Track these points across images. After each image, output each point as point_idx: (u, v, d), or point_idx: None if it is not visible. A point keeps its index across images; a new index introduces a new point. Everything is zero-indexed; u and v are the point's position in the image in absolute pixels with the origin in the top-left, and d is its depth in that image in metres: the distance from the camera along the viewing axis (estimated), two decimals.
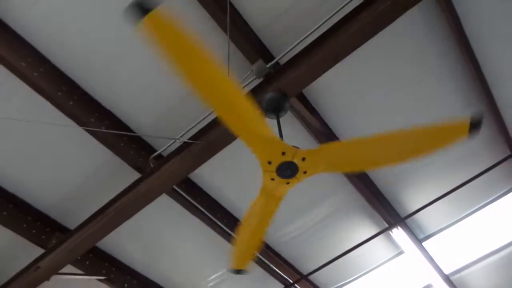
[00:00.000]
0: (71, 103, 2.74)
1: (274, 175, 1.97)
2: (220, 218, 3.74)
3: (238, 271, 2.49)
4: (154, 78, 2.88)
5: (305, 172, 1.97)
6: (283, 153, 1.90)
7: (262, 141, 1.87)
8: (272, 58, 2.76)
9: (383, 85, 3.17)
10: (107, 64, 2.79)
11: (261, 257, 4.13)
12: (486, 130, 3.56)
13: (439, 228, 4.44)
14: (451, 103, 3.35)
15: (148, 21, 1.33)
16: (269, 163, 1.94)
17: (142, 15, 1.30)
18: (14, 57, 2.49)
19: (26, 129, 3.00)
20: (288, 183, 2.00)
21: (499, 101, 3.33)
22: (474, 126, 1.76)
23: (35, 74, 2.57)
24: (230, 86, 1.65)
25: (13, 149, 3.14)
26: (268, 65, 2.63)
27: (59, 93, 2.68)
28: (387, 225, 4.11)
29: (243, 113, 1.75)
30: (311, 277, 4.65)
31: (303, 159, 1.92)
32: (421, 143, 1.92)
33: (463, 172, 3.82)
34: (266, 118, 2.53)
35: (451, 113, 3.42)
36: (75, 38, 2.64)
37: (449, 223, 4.40)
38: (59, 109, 2.79)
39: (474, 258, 4.84)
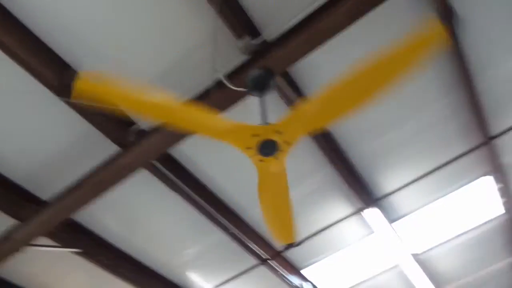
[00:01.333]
0: (48, 70, 2.62)
1: (259, 157, 1.97)
2: (198, 193, 3.75)
3: (289, 245, 2.55)
4: (138, 51, 2.79)
5: (286, 142, 1.95)
6: (255, 135, 1.90)
7: (228, 133, 1.90)
8: (259, 35, 2.71)
9: None
10: (89, 34, 2.66)
11: (237, 232, 4.19)
12: (463, 115, 3.66)
13: (410, 210, 4.60)
14: (428, 88, 3.41)
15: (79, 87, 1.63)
16: (248, 148, 1.94)
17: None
18: None
19: None
20: (277, 158, 1.99)
21: (479, 88, 3.40)
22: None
23: (9, 38, 2.43)
24: (173, 106, 1.87)
25: None
26: (255, 42, 2.59)
27: (35, 59, 2.55)
28: (361, 206, 4.24)
29: (196, 120, 1.92)
30: (284, 254, 4.78)
31: (277, 132, 1.91)
32: (393, 67, 1.68)
33: (438, 156, 3.95)
34: (250, 95, 2.52)
35: (428, 98, 3.49)
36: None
37: (420, 205, 4.56)
38: (35, 77, 2.66)
39: (442, 240, 5.08)
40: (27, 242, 3.35)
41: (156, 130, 2.83)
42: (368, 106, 1.80)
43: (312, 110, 1.90)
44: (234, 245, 4.39)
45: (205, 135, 2.03)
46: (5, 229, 3.35)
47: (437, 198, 4.47)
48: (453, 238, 5.06)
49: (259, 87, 2.42)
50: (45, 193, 3.54)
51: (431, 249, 5.15)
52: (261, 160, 2.01)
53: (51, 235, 3.65)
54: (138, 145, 2.92)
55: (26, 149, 3.26)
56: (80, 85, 1.62)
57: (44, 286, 4.50)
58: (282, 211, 2.38)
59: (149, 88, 1.91)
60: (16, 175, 3.42)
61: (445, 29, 1.51)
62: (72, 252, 3.86)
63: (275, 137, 1.93)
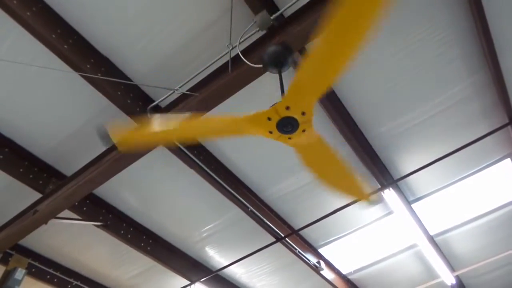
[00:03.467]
0: (66, 47, 2.64)
1: (285, 136, 1.94)
2: (216, 171, 3.78)
3: (370, 203, 2.52)
4: (154, 25, 2.78)
5: (303, 113, 1.88)
6: (269, 119, 1.86)
7: (244, 128, 1.90)
8: (277, 9, 2.64)
9: (389, 45, 3.09)
10: (104, 8, 2.66)
11: (254, 210, 4.23)
12: (488, 97, 3.53)
13: (429, 191, 4.53)
14: (453, 68, 3.29)
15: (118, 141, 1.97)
16: (271, 132, 1.91)
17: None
18: None
19: (19, 73, 2.93)
20: (304, 130, 1.94)
21: (504, 69, 3.27)
22: None
23: (28, 13, 2.45)
24: (189, 126, 2.02)
25: (7, 93, 3.08)
26: (272, 17, 2.52)
27: (53, 36, 2.57)
28: (380, 186, 4.18)
29: (215, 129, 2.04)
30: (302, 232, 4.80)
31: (287, 107, 1.85)
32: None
33: (459, 137, 3.83)
34: (268, 72, 2.47)
35: (452, 78, 3.37)
36: None
37: (440, 187, 4.48)
38: (54, 52, 2.70)
39: (459, 222, 5.00)
40: (51, 215, 3.48)
41: (173, 107, 2.84)
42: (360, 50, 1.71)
43: (309, 72, 1.81)
44: (251, 223, 4.43)
45: (227, 137, 2.08)
46: (31, 202, 3.48)
47: (458, 180, 4.37)
48: (471, 221, 4.97)
49: (277, 63, 2.37)
50: (68, 168, 3.65)
51: (448, 230, 5.08)
52: (289, 138, 1.97)
53: (74, 208, 3.78)
54: None
55: (49, 125, 3.34)
56: (118, 139, 1.99)
57: (67, 257, 4.71)
58: (340, 174, 2.33)
59: (168, 117, 2.19)
60: (40, 151, 3.54)
61: None
62: (94, 225, 3.99)
63: (288, 113, 1.88)
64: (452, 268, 5.60)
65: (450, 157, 3.92)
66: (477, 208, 4.83)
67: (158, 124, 2.08)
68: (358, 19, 1.57)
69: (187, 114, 2.37)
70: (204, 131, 2.15)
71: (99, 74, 2.81)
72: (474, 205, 4.78)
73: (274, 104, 1.86)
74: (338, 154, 2.20)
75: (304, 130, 1.93)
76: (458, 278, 5.79)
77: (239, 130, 1.98)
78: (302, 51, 2.80)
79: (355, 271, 5.53)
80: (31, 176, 3.49)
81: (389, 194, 4.24)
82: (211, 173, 3.75)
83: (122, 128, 1.99)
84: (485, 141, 3.82)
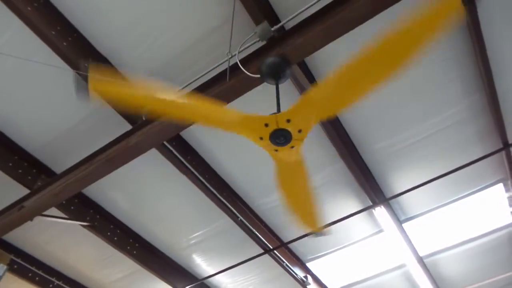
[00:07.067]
0: (65, 44, 2.64)
1: (273, 147, 1.93)
2: (208, 178, 3.75)
3: (316, 234, 2.49)
4: (156, 29, 2.78)
5: (299, 131, 1.86)
6: (266, 125, 1.83)
7: (238, 125, 1.86)
8: (278, 21, 2.65)
9: None
10: (107, 8, 2.66)
11: (244, 220, 4.19)
12: (482, 120, 3.55)
13: (421, 211, 4.52)
14: (450, 90, 3.31)
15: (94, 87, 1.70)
16: (261, 138, 1.89)
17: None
18: None
19: (16, 67, 2.91)
20: (292, 147, 1.92)
21: (500, 93, 3.29)
22: None
23: (29, 8, 2.45)
24: (182, 101, 1.88)
25: (3, 86, 3.05)
26: (273, 28, 2.53)
27: (53, 32, 2.57)
28: (371, 203, 4.17)
29: (206, 114, 1.90)
30: (290, 246, 4.76)
31: (288, 120, 1.83)
32: (409, 40, 1.53)
33: (452, 159, 3.84)
34: (265, 83, 2.47)
35: (448, 99, 3.38)
36: None
37: (431, 208, 4.47)
38: (52, 49, 2.69)
39: (449, 244, 4.98)
40: (38, 212, 3.43)
41: None
42: (380, 88, 1.67)
43: (321, 95, 1.80)
44: (240, 233, 4.39)
45: (216, 127, 1.99)
46: (18, 198, 3.43)
47: (449, 202, 4.37)
48: (461, 244, 4.96)
49: (275, 74, 2.36)
50: (58, 165, 3.62)
51: (438, 252, 5.06)
52: (275, 150, 1.95)
53: (61, 206, 3.73)
54: (150, 124, 2.93)
55: (41, 121, 3.32)
56: (94, 86, 1.71)
57: (51, 255, 4.63)
58: (303, 200, 2.31)
59: (158, 85, 1.90)
60: (31, 146, 3.50)
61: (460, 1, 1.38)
62: (80, 224, 3.94)
63: (286, 126, 1.87)
64: None
65: (443, 178, 3.92)
66: (467, 231, 4.82)
67: (146, 88, 1.85)
68: (401, 52, 1.55)
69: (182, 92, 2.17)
70: (194, 113, 1.95)
71: None
72: (465, 228, 4.78)
73: (275, 113, 1.85)
74: (310, 181, 2.16)
75: (292, 147, 1.92)
76: None
77: (230, 124, 1.92)
78: (300, 63, 2.81)
79: None
80: (20, 171, 3.45)
81: (381, 212, 4.23)
82: (202, 179, 3.72)
83: (104, 79, 1.78)
84: (478, 164, 3.83)
